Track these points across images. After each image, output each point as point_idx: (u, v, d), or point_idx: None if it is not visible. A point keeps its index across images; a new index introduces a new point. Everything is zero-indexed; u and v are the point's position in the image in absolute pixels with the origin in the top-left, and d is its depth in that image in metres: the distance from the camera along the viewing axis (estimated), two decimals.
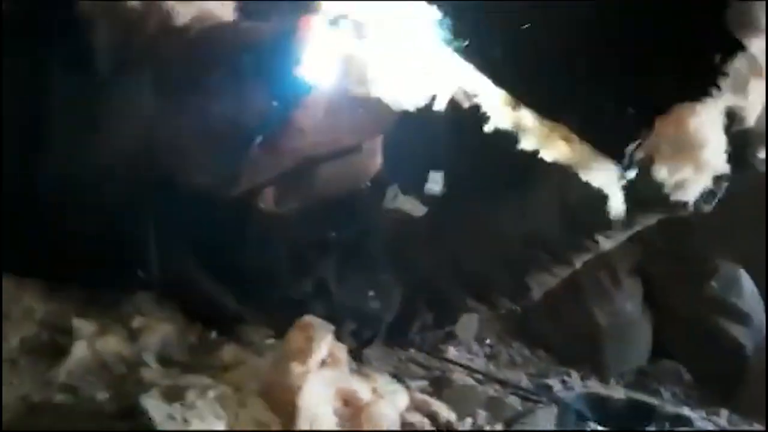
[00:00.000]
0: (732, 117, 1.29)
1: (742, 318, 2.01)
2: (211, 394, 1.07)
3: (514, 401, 1.37)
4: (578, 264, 1.55)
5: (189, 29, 1.41)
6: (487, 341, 1.79)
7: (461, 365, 1.51)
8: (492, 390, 1.39)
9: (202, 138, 1.34)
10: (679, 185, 1.09)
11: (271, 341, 1.31)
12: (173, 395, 1.08)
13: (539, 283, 1.54)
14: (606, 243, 1.49)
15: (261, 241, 1.35)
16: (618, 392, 1.54)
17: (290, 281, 1.36)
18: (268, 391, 1.14)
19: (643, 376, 1.81)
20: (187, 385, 1.10)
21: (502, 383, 1.47)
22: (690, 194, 1.11)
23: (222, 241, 1.34)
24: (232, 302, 1.34)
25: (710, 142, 1.08)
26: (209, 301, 1.35)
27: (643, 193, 1.17)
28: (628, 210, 1.15)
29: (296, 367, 1.14)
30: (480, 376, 1.47)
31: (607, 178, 1.09)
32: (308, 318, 1.23)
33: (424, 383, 1.39)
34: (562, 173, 1.18)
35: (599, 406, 1.34)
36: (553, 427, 1.25)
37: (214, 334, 1.33)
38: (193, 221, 1.32)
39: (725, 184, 1.21)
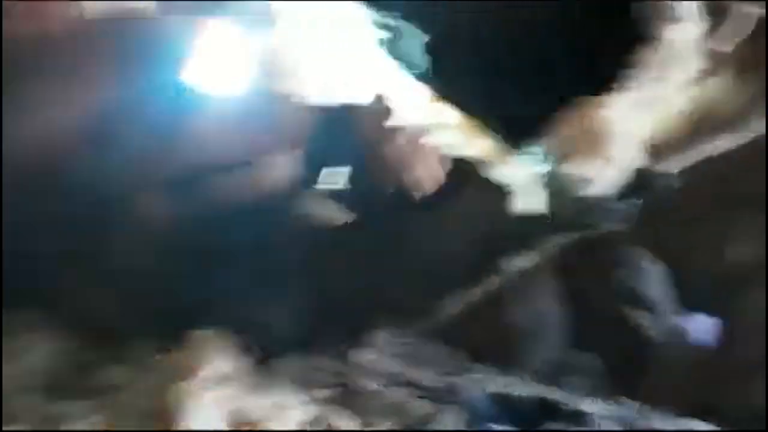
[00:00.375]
0: None
1: (648, 307, 2.04)
2: (85, 423, 1.00)
3: (421, 405, 1.33)
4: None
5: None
6: (402, 342, 1.76)
7: (370, 370, 1.46)
8: (400, 394, 1.36)
9: (83, 136, 1.27)
10: (588, 179, 1.08)
11: (159, 358, 1.24)
12: (46, 424, 1.01)
13: (453, 301, 1.50)
14: (521, 262, 1.48)
15: (143, 249, 1.29)
16: (531, 389, 1.52)
17: (180, 292, 1.30)
18: (153, 414, 1.09)
19: (558, 370, 1.81)
20: (61, 413, 1.03)
21: (412, 386, 1.43)
22: (598, 188, 1.10)
23: (105, 249, 1.27)
24: (118, 316, 1.27)
25: (618, 135, 1.06)
26: (94, 315, 1.27)
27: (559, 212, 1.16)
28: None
29: (182, 386, 1.09)
30: (388, 380, 1.43)
31: (523, 175, 1.08)
32: (198, 332, 1.17)
33: (329, 392, 1.34)
34: (479, 190, 1.17)
35: (508, 405, 1.32)
36: (458, 429, 1.22)
37: (99, 352, 1.25)
38: (75, 226, 1.24)
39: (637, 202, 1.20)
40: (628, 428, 1.45)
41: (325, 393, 1.33)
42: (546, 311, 1.95)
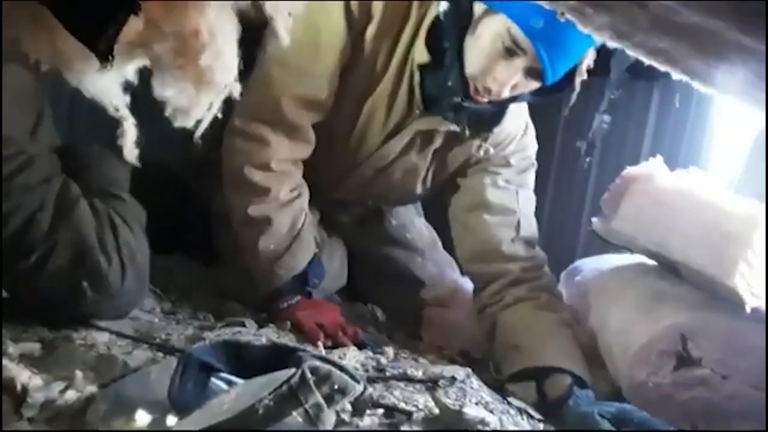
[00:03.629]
0: None
1: (417, 252, 1.99)
2: None
3: (133, 359, 1.21)
4: None
5: None
6: (172, 298, 1.63)
7: (102, 328, 1.33)
8: (108, 348, 1.23)
9: None
10: (183, 108, 0.94)
11: None
12: None
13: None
14: None
15: None
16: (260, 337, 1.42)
17: None
18: None
19: None
20: None
21: (137, 340, 1.31)
22: (191, 120, 0.96)
23: None
24: None
25: (217, 51, 0.93)
26: None
27: None
28: None
29: None
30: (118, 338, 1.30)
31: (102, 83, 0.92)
32: None
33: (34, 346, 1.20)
34: None
35: (237, 354, 1.21)
36: (166, 380, 1.10)
37: None
38: None
39: None
40: (381, 375, 1.37)
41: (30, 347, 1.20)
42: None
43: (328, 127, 1.66)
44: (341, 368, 1.12)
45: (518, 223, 1.75)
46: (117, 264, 1.32)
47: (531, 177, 1.83)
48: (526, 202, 1.79)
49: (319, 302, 1.70)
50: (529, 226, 1.77)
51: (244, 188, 1.61)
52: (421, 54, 1.58)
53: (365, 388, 1.18)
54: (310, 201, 1.70)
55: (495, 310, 1.69)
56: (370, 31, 1.59)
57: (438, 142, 1.73)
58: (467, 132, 1.68)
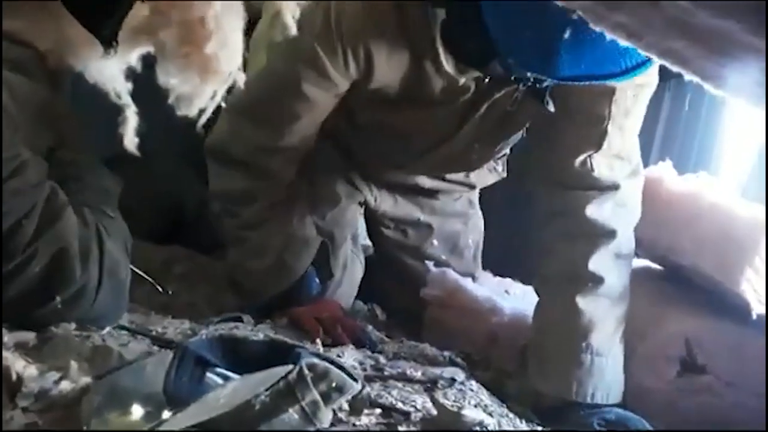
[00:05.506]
0: None
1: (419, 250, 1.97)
2: None
3: (129, 351, 1.19)
4: None
5: None
6: (169, 291, 1.62)
7: None
8: (104, 339, 1.22)
9: None
10: (186, 96, 0.92)
11: None
12: None
13: None
14: None
15: None
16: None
17: None
18: None
19: None
20: None
21: (134, 332, 1.30)
22: (194, 108, 0.94)
23: None
24: None
25: (223, 40, 0.91)
26: None
27: None
28: None
29: None
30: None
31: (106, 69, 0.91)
32: None
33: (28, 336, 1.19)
34: None
35: (234, 349, 1.19)
36: (162, 373, 1.08)
37: None
38: None
39: None
40: (379, 374, 1.35)
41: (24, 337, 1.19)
42: None
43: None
44: (340, 367, 1.11)
45: None
46: (95, 276, 1.28)
47: None
48: None
49: (319, 298, 1.68)
50: None
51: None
52: None
53: (363, 387, 1.17)
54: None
55: None
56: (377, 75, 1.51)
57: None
58: None
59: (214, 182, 1.62)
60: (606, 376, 1.48)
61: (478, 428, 1.16)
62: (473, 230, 2.04)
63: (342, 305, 1.72)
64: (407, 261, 1.96)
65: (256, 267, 1.59)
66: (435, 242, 1.97)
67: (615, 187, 1.55)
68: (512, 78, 1.46)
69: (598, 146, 1.54)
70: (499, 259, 2.19)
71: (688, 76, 0.98)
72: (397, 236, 1.97)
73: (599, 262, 1.52)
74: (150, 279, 1.54)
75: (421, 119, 1.61)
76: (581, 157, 1.54)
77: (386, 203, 1.91)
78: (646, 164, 1.86)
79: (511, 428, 1.26)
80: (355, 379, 1.12)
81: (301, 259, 1.64)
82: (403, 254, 1.96)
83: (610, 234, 1.53)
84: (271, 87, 1.50)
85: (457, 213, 2.00)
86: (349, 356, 1.38)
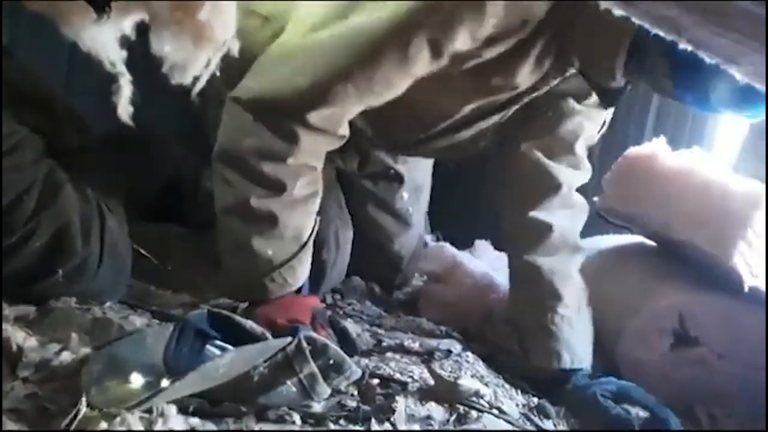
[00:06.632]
0: None
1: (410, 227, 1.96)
2: None
3: (129, 323, 1.20)
4: None
5: None
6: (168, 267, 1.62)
7: None
8: (104, 312, 1.23)
9: None
10: (180, 64, 0.92)
11: None
12: None
13: None
14: None
15: None
16: None
17: None
18: None
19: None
20: None
21: (134, 306, 1.31)
22: (188, 76, 0.93)
23: None
24: None
25: (217, 7, 0.90)
26: None
27: None
28: None
29: None
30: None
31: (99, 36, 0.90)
32: None
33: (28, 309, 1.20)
34: None
35: (234, 324, 1.20)
36: (161, 345, 1.09)
37: None
38: None
39: None
40: (377, 346, 1.37)
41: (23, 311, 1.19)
42: None
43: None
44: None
45: None
46: (96, 251, 1.29)
47: None
48: None
49: (291, 298, 1.38)
50: None
51: (248, 175, 1.31)
52: None
53: (364, 374, 1.17)
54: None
55: None
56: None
57: None
58: None
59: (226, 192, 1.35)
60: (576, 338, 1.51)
61: (474, 398, 1.18)
62: (427, 189, 2.00)
63: (330, 287, 1.70)
64: (376, 218, 1.86)
65: (264, 253, 1.36)
66: (405, 195, 1.89)
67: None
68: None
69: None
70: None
71: (681, 45, 0.98)
72: (367, 185, 1.86)
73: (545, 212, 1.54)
74: (149, 255, 1.55)
75: (458, 102, 1.49)
76: None
77: (356, 161, 1.84)
78: (640, 141, 1.87)
79: (507, 398, 1.28)
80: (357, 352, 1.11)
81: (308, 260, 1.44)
82: (371, 208, 1.86)
83: (556, 187, 1.55)
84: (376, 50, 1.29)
85: (421, 166, 1.94)
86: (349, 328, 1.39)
